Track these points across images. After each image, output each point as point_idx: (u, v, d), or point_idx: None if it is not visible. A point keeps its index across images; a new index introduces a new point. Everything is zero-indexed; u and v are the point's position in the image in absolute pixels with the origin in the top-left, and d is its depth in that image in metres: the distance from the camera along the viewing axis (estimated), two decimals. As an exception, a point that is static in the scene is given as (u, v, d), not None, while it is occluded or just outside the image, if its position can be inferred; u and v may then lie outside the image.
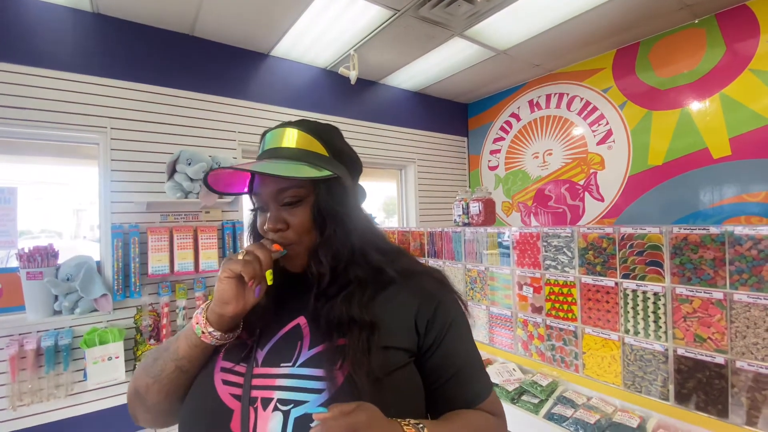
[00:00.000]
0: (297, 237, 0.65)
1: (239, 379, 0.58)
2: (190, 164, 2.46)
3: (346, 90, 3.44)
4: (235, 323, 0.62)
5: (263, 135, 0.72)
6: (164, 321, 2.51)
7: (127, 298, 2.43)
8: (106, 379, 2.30)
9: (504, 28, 2.85)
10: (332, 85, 3.41)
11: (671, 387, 1.23)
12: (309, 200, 0.65)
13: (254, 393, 0.56)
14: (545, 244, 1.60)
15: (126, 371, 2.37)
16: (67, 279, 2.20)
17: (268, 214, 0.66)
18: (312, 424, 0.47)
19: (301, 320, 0.64)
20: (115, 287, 2.38)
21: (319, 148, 0.69)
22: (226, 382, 0.58)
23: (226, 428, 0.54)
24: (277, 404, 0.54)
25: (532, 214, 3.98)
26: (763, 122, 2.55)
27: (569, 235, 1.51)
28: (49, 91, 2.28)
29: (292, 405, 0.53)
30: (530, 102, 3.97)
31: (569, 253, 1.51)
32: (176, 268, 2.52)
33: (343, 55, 3.07)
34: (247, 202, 3.00)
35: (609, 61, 3.34)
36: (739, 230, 1.09)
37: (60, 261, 2.25)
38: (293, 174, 0.60)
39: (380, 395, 0.53)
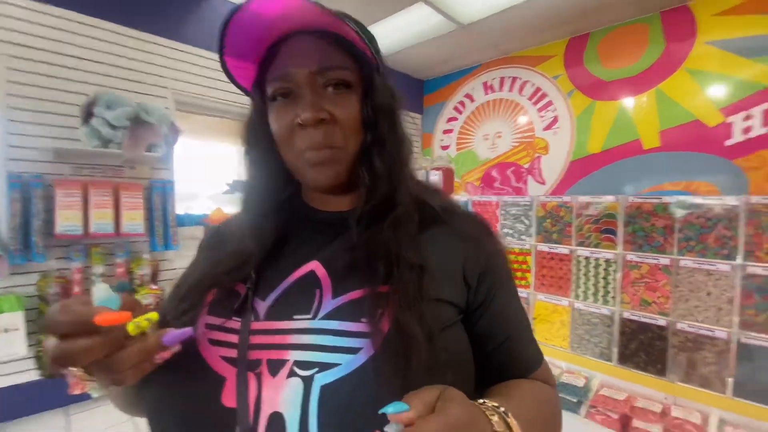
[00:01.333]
0: (343, 136, 0.49)
1: (233, 338, 0.45)
2: (110, 108, 2.11)
3: (300, 48, 3.18)
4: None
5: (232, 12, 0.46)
6: (76, 289, 2.17)
7: (29, 261, 2.06)
8: (1, 354, 1.94)
9: (468, 0, 2.80)
10: (284, 40, 3.14)
11: (615, 349, 1.29)
12: (357, 91, 0.51)
13: (256, 354, 0.43)
14: (503, 212, 1.60)
15: (29, 345, 2.02)
16: (-56, 234, 1.79)
17: (302, 103, 0.48)
18: (387, 429, 0.33)
19: (315, 266, 0.50)
20: (12, 248, 1.99)
21: (354, 28, 0.49)
22: (214, 342, 0.45)
23: (216, 401, 0.40)
24: (295, 368, 0.41)
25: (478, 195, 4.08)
26: (690, 118, 2.80)
27: (528, 203, 1.51)
28: None
29: (316, 369, 0.40)
30: (485, 84, 4.02)
31: (527, 221, 1.51)
32: (92, 229, 2.18)
33: (299, 7, 2.82)
34: (180, 161, 2.68)
35: (561, 49, 3.46)
36: (689, 200, 1.14)
37: (-67, 212, 1.83)
38: (355, 32, 0.45)
39: (434, 357, 0.41)
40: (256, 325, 0.45)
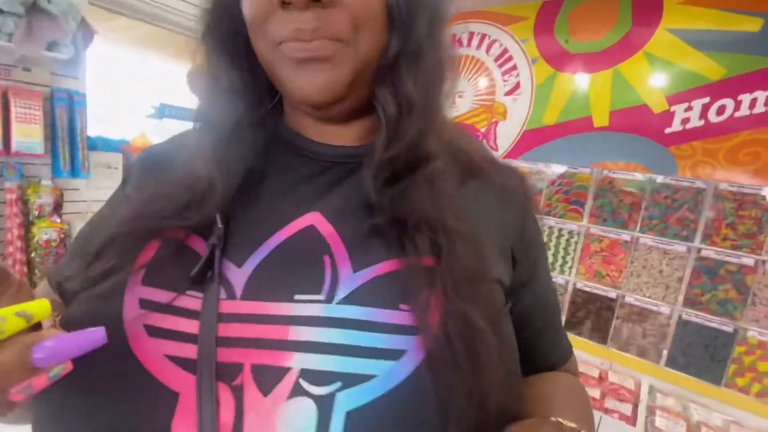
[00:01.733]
0: (352, 26, 0.32)
1: (190, 326, 0.28)
2: (-5, -17, 1.60)
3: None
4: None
5: None
6: (-54, 214, 1.75)
7: None
8: None
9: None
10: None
11: (563, 316, 1.33)
12: None
13: (230, 354, 0.26)
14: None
15: None
16: None
17: None
18: None
19: (316, 219, 0.34)
20: None
21: None
22: (156, 332, 0.28)
23: (159, 429, 0.24)
24: (301, 381, 0.26)
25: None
26: (639, 102, 2.92)
27: (499, 166, 1.45)
28: None
29: (339, 385, 0.25)
30: (452, 37, 3.81)
31: (496, 185, 1.46)
32: (-31, 141, 1.73)
33: None
34: (93, 69, 2.19)
35: (534, 12, 3.37)
36: (660, 179, 1.14)
37: None
38: None
39: (501, 358, 0.29)
40: (229, 306, 0.28)
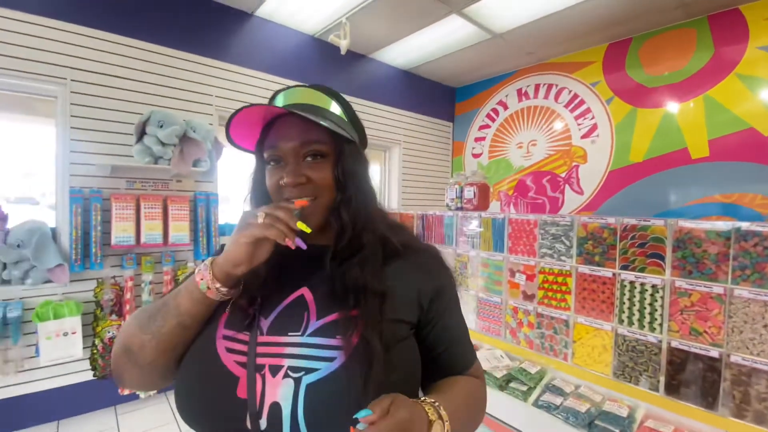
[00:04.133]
0: (317, 192, 0.64)
1: (243, 347, 0.58)
2: (161, 127, 2.25)
3: (334, 61, 3.26)
4: (239, 281, 0.62)
5: (274, 94, 0.70)
6: (128, 295, 2.33)
7: (87, 269, 2.23)
8: (61, 355, 2.11)
9: (503, 10, 2.77)
10: (319, 53, 3.23)
11: (662, 378, 1.24)
12: (330, 158, 0.65)
13: (261, 360, 0.56)
14: (542, 231, 1.57)
15: (84, 347, 2.19)
16: (18, 246, 1.97)
17: (287, 169, 0.63)
18: (359, 426, 0.46)
19: (304, 291, 0.64)
20: (73, 257, 2.16)
21: (338, 110, 0.69)
22: (229, 350, 0.58)
23: (233, 394, 0.54)
24: (288, 371, 0.54)
25: (511, 204, 4.00)
26: (743, 126, 2.64)
27: (568, 223, 1.48)
28: (2, 33, 1.99)
29: (303, 372, 0.54)
30: (519, 91, 3.95)
31: (567, 242, 1.48)
32: (143, 239, 2.33)
33: (334, 23, 2.89)
34: (223, 174, 2.81)
35: (600, 55, 3.35)
36: (746, 226, 1.09)
37: (9, 226, 2.02)
38: (326, 124, 0.60)
39: (390, 364, 0.55)
40: (261, 339, 0.58)
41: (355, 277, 0.61)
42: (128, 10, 2.35)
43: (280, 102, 0.68)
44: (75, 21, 2.19)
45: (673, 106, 2.97)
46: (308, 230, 0.57)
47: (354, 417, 0.47)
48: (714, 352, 1.13)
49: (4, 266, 1.99)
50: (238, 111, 0.60)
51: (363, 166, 0.69)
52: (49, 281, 2.08)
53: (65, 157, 2.21)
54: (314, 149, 0.63)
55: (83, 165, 2.24)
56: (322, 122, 0.60)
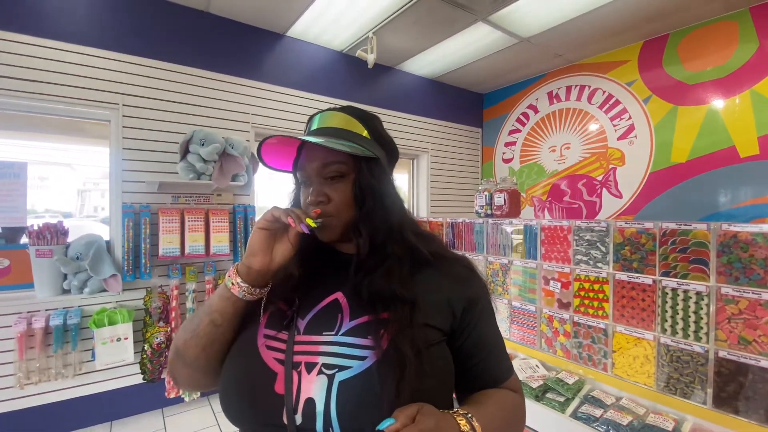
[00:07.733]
0: (336, 211, 0.68)
1: (282, 345, 0.62)
2: (203, 145, 2.40)
3: (362, 74, 3.35)
4: (263, 279, 0.66)
5: (311, 117, 0.76)
6: (173, 303, 2.47)
7: (137, 279, 2.39)
8: (114, 360, 2.27)
9: (529, 15, 2.75)
10: (347, 68, 3.33)
11: (710, 390, 1.18)
12: (350, 177, 0.69)
13: (297, 358, 0.60)
14: (576, 237, 1.54)
15: (135, 353, 2.34)
16: (77, 258, 2.15)
17: (311, 189, 0.69)
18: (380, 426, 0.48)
19: (339, 295, 0.67)
20: (125, 268, 2.33)
21: (362, 130, 0.74)
22: (269, 348, 0.63)
23: (271, 389, 0.58)
24: (322, 368, 0.58)
25: (546, 209, 3.91)
26: (797, 121, 2.46)
27: (604, 229, 1.45)
28: (61, 65, 2.21)
29: (336, 369, 0.57)
30: (549, 93, 3.87)
31: (603, 249, 1.44)
32: (187, 250, 2.47)
33: (361, 38, 2.98)
34: (259, 187, 2.94)
35: (635, 54, 3.23)
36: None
37: (69, 239, 2.21)
38: (340, 148, 0.65)
39: (421, 367, 0.56)
40: (298, 338, 0.63)
41: (381, 287, 0.64)
42: (171, 38, 2.53)
43: (315, 123, 0.74)
44: (125, 51, 2.39)
45: (717, 103, 2.82)
46: (314, 225, 0.63)
47: (378, 428, 0.47)
48: (765, 363, 1.07)
49: (65, 277, 2.17)
50: (264, 140, 0.68)
51: (384, 181, 0.73)
52: (104, 290, 2.25)
53: (118, 176, 2.40)
54: (333, 170, 0.68)
55: (134, 182, 2.42)
56: (336, 146, 0.65)
